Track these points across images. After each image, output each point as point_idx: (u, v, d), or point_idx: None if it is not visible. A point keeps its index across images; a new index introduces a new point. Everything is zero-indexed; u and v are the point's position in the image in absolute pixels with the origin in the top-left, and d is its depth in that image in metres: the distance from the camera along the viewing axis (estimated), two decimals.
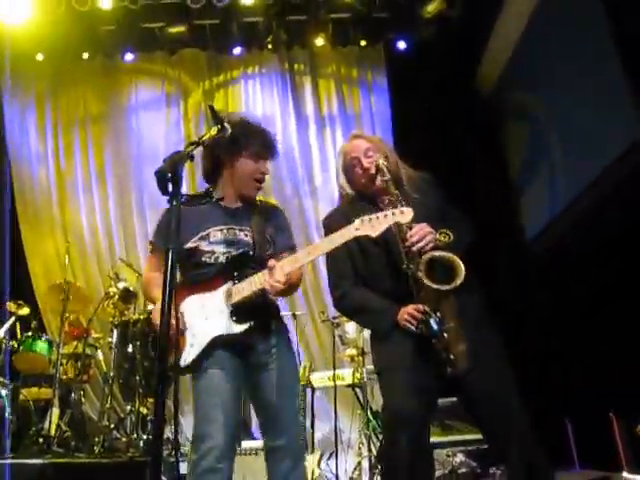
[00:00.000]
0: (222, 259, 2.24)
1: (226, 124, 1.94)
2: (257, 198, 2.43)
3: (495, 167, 6.13)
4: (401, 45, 6.55)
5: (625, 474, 4.37)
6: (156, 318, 2.17)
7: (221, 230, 2.29)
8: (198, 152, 1.74)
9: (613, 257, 4.35)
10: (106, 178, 6.58)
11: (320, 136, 6.75)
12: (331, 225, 2.27)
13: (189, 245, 2.26)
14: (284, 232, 2.40)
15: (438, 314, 2.02)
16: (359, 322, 2.40)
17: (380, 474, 3.57)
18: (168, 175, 1.58)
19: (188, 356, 2.15)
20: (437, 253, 2.05)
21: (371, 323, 2.34)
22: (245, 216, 2.34)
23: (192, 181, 5.94)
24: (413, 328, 2.06)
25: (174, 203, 1.52)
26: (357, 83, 6.91)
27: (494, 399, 2.06)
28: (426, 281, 2.00)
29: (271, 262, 2.09)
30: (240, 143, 2.25)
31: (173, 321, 1.65)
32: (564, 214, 5.14)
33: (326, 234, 2.25)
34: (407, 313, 2.09)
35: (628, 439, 4.49)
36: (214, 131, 1.91)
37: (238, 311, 2.15)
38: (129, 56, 6.67)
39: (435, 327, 2.01)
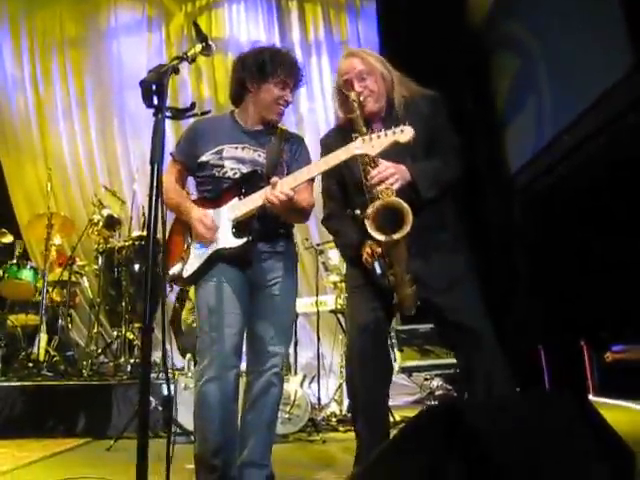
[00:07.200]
0: (230, 174, 2.24)
1: (211, 42, 1.90)
2: (280, 126, 2.38)
3: (483, 99, 6.07)
4: None
5: (591, 397, 4.66)
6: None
7: (236, 148, 2.28)
8: (183, 67, 1.70)
9: (595, 192, 4.41)
10: (87, 104, 6.44)
11: (307, 63, 6.58)
12: (329, 144, 2.27)
13: (202, 159, 2.27)
14: (300, 162, 2.32)
15: (386, 259, 2.05)
16: (335, 243, 2.57)
17: None
18: (153, 86, 1.55)
19: (190, 267, 2.19)
20: (387, 201, 2.01)
21: (341, 250, 2.56)
22: (263, 139, 2.31)
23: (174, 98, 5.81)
24: (368, 266, 2.12)
25: (159, 116, 1.50)
26: (344, 8, 6.72)
27: (462, 325, 2.11)
28: (370, 230, 2.01)
29: (274, 179, 2.08)
30: (267, 70, 2.23)
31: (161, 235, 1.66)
32: (548, 149, 5.15)
33: (324, 153, 2.24)
34: (366, 252, 2.12)
35: (597, 366, 4.74)
36: (198, 48, 1.87)
37: (239, 226, 2.16)
38: None
39: (378, 271, 2.06)
